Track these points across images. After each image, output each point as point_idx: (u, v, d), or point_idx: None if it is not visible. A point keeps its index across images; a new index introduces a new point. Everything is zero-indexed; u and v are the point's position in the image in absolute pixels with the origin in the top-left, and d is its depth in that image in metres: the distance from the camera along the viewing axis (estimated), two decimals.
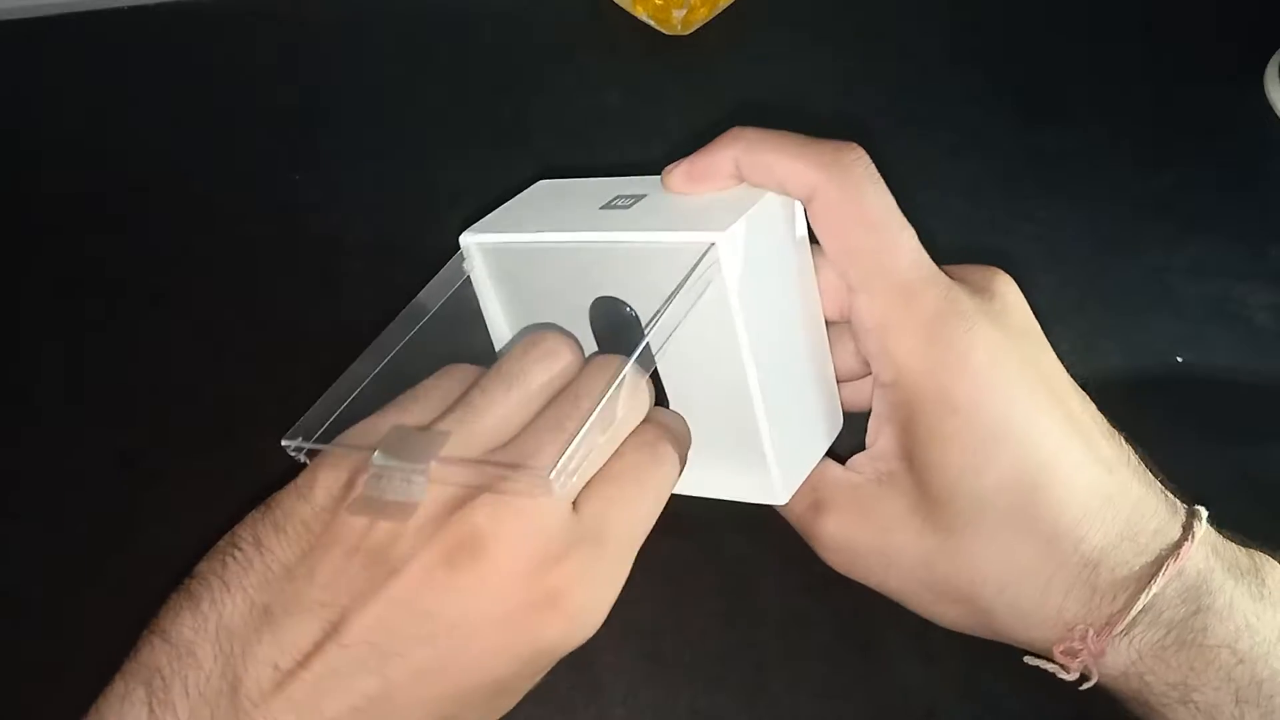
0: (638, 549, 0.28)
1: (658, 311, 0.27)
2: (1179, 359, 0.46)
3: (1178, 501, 0.31)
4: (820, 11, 0.63)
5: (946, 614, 0.32)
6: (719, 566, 0.40)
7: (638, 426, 0.29)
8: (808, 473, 0.32)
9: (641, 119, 0.58)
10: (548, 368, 0.29)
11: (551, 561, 0.25)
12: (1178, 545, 0.29)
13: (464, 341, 0.34)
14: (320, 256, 0.52)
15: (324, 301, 0.50)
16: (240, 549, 0.26)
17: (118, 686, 0.25)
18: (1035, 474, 0.29)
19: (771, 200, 0.30)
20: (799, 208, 0.31)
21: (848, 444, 0.34)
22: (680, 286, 0.27)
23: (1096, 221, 0.51)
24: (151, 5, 0.65)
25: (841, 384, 0.34)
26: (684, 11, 0.60)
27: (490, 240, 0.32)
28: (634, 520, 0.28)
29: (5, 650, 0.39)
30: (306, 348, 0.46)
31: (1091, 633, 0.29)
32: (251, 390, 0.46)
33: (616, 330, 0.31)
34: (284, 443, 0.28)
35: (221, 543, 0.27)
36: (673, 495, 0.29)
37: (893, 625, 0.37)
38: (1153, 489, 0.30)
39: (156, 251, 0.53)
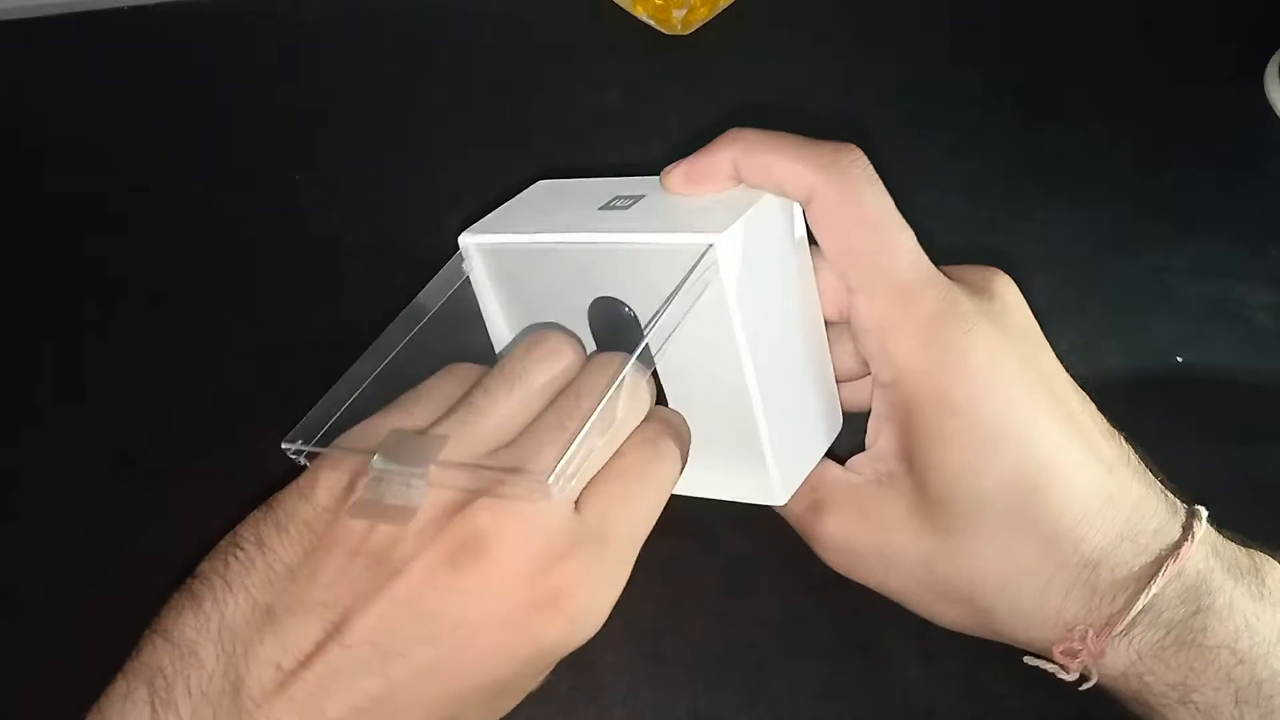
0: (639, 548, 0.28)
1: (657, 312, 0.27)
2: (1179, 359, 0.46)
3: (1178, 501, 0.31)
4: (820, 11, 0.63)
5: (946, 614, 0.32)
6: (719, 566, 0.40)
7: (640, 424, 0.29)
8: (806, 473, 0.32)
9: (641, 119, 0.58)
10: (550, 367, 0.29)
11: (553, 562, 0.25)
12: (1178, 545, 0.29)
13: (464, 342, 0.34)
14: (320, 256, 0.52)
15: (324, 301, 0.50)
16: (242, 549, 0.26)
17: (120, 686, 0.25)
18: (1035, 474, 0.29)
19: (770, 201, 0.30)
20: (798, 209, 0.31)
21: (847, 444, 0.34)
22: (679, 288, 0.27)
23: (1096, 221, 0.51)
24: (151, 5, 0.65)
25: (841, 384, 0.34)
26: (684, 11, 0.60)
27: (489, 241, 0.32)
28: (635, 520, 0.28)
29: (5, 650, 0.39)
30: (306, 348, 0.46)
31: (1091, 633, 0.29)
32: (251, 390, 0.46)
33: (615, 331, 0.31)
34: (284, 445, 0.28)
35: (223, 542, 0.27)
36: (672, 495, 0.29)
37: (893, 625, 0.37)
38: (1153, 489, 0.30)
39: (156, 251, 0.53)
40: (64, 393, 0.48)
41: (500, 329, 0.34)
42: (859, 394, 0.34)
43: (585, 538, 0.26)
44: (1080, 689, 0.30)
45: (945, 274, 0.30)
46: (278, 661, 0.24)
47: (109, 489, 0.44)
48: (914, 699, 0.37)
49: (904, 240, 0.30)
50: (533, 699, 0.28)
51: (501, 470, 0.26)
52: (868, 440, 0.33)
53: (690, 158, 0.31)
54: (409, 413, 0.28)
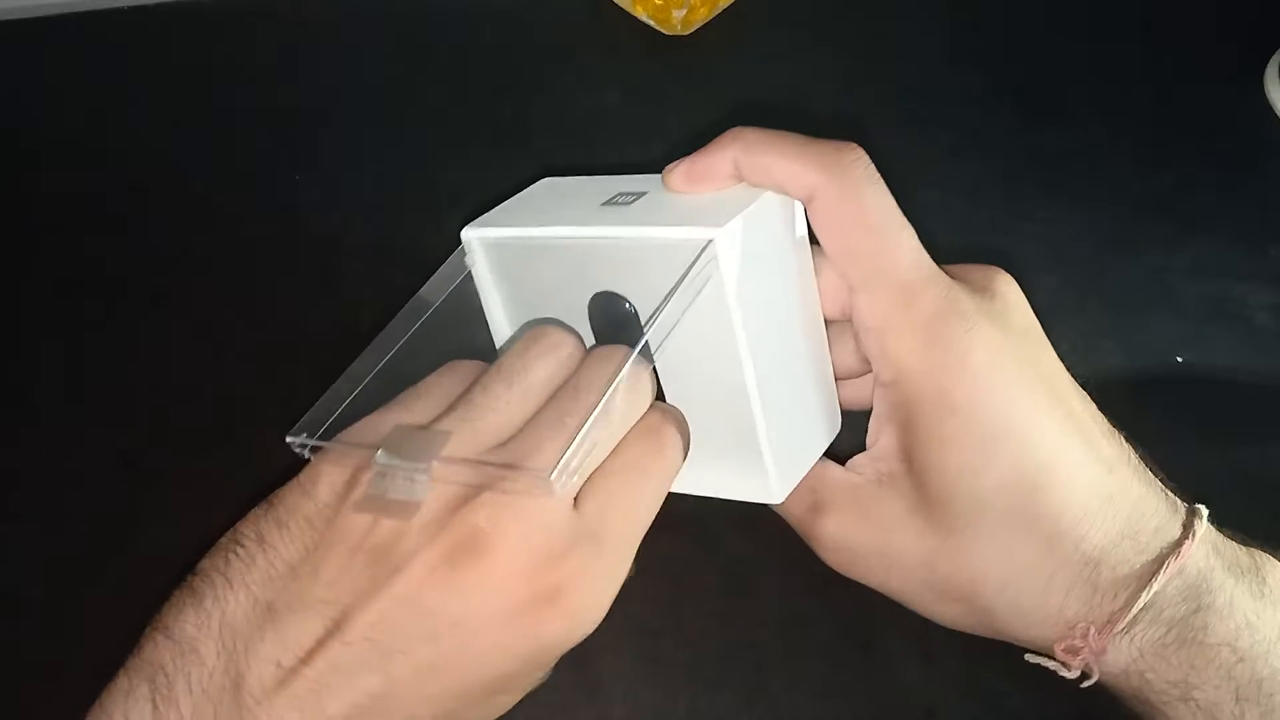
0: (638, 544, 0.28)
1: (658, 308, 0.27)
2: (1179, 359, 0.46)
3: (1178, 500, 0.31)
4: (820, 11, 0.63)
5: (947, 613, 0.32)
6: (719, 566, 0.40)
7: (640, 418, 0.29)
8: (804, 473, 0.32)
9: (641, 119, 0.58)
10: (549, 363, 0.29)
11: (553, 559, 0.25)
12: (1178, 544, 0.29)
13: (466, 337, 0.34)
14: (320, 256, 0.52)
15: (324, 301, 0.50)
16: (243, 545, 0.26)
17: (121, 682, 0.25)
18: (1035, 474, 0.29)
19: (771, 199, 0.30)
20: (799, 207, 0.31)
21: (848, 444, 0.34)
22: (679, 283, 0.27)
23: (1096, 221, 0.51)
24: (151, 5, 0.65)
25: (842, 382, 0.34)
26: (684, 11, 0.60)
27: (492, 235, 0.32)
28: (635, 516, 0.28)
29: (5, 650, 0.39)
30: (306, 348, 0.46)
31: (1093, 630, 0.29)
32: (251, 390, 0.46)
33: (615, 327, 0.31)
34: (288, 439, 0.28)
35: (224, 539, 0.27)
36: (671, 494, 0.29)
37: (893, 625, 0.37)
38: (1153, 488, 0.30)
39: (156, 251, 0.53)
40: (64, 393, 0.48)
41: (501, 324, 0.34)
42: (860, 392, 0.34)
43: (584, 535, 0.26)
44: (1081, 687, 0.30)
45: (947, 273, 0.30)
46: (278, 659, 0.24)
47: (109, 489, 0.44)
48: (914, 699, 0.37)
49: (905, 239, 0.30)
50: (533, 699, 0.28)
51: (504, 466, 0.26)
52: (868, 440, 0.33)
53: (691, 156, 0.31)
54: (410, 410, 0.28)
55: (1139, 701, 0.30)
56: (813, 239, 0.31)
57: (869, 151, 0.30)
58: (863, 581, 0.33)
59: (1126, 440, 0.31)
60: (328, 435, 0.28)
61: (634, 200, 0.31)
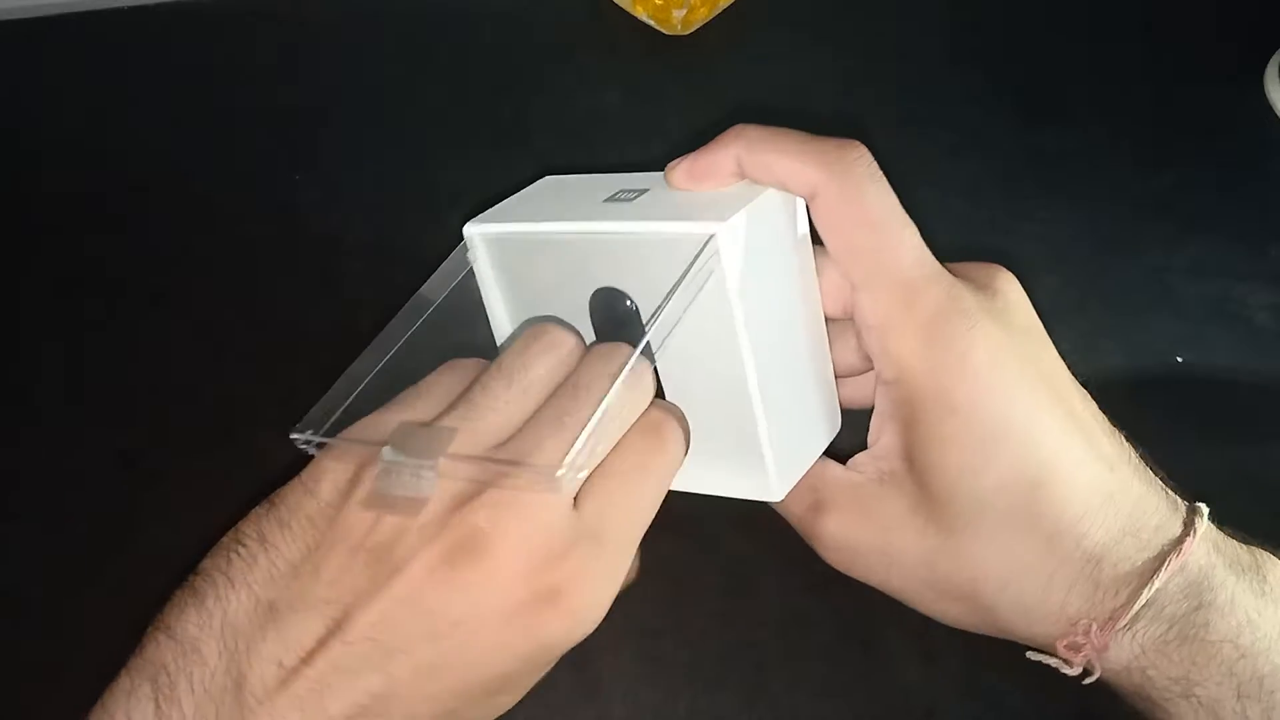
0: (638, 544, 0.28)
1: (661, 304, 0.27)
2: (1179, 359, 0.46)
3: (1178, 499, 0.31)
4: (820, 11, 0.63)
5: (949, 611, 0.32)
6: (719, 566, 0.40)
7: (640, 415, 0.29)
8: (804, 471, 0.32)
9: (641, 119, 0.58)
10: (549, 361, 0.29)
11: (553, 559, 0.25)
12: (1179, 541, 0.29)
13: (468, 334, 0.34)
14: (320, 256, 0.52)
15: (324, 301, 0.50)
16: (245, 545, 0.26)
17: (124, 682, 0.25)
18: (1036, 472, 0.29)
19: (773, 196, 0.30)
20: (801, 204, 0.31)
21: (849, 443, 0.34)
22: (682, 278, 0.27)
23: (1096, 221, 0.51)
24: (151, 5, 0.65)
25: (842, 380, 0.34)
26: (684, 11, 0.60)
27: (494, 230, 0.32)
28: (634, 515, 0.28)
29: (5, 650, 0.39)
30: (306, 348, 0.46)
31: (1095, 627, 0.29)
32: (251, 390, 0.46)
33: (616, 323, 0.31)
34: (293, 436, 0.28)
35: (226, 539, 0.27)
36: (672, 494, 0.29)
37: (893, 624, 0.37)
38: (1153, 486, 0.30)
39: (156, 251, 0.53)
40: (64, 393, 0.48)
41: (502, 321, 0.34)
42: (860, 391, 0.34)
43: (584, 534, 0.26)
44: (1083, 683, 0.30)
45: (949, 271, 0.30)
46: (279, 658, 0.24)
47: (109, 489, 0.44)
48: (914, 698, 0.37)
49: (907, 237, 0.30)
50: (533, 699, 0.28)
51: (509, 462, 0.26)
52: (870, 438, 0.33)
53: (694, 154, 0.31)
54: (410, 409, 0.28)
55: (1140, 698, 0.30)
56: (814, 237, 0.31)
57: (869, 151, 0.30)
58: (864, 580, 0.33)
59: (1127, 440, 0.31)
60: (333, 432, 0.28)
61: (636, 197, 0.31)
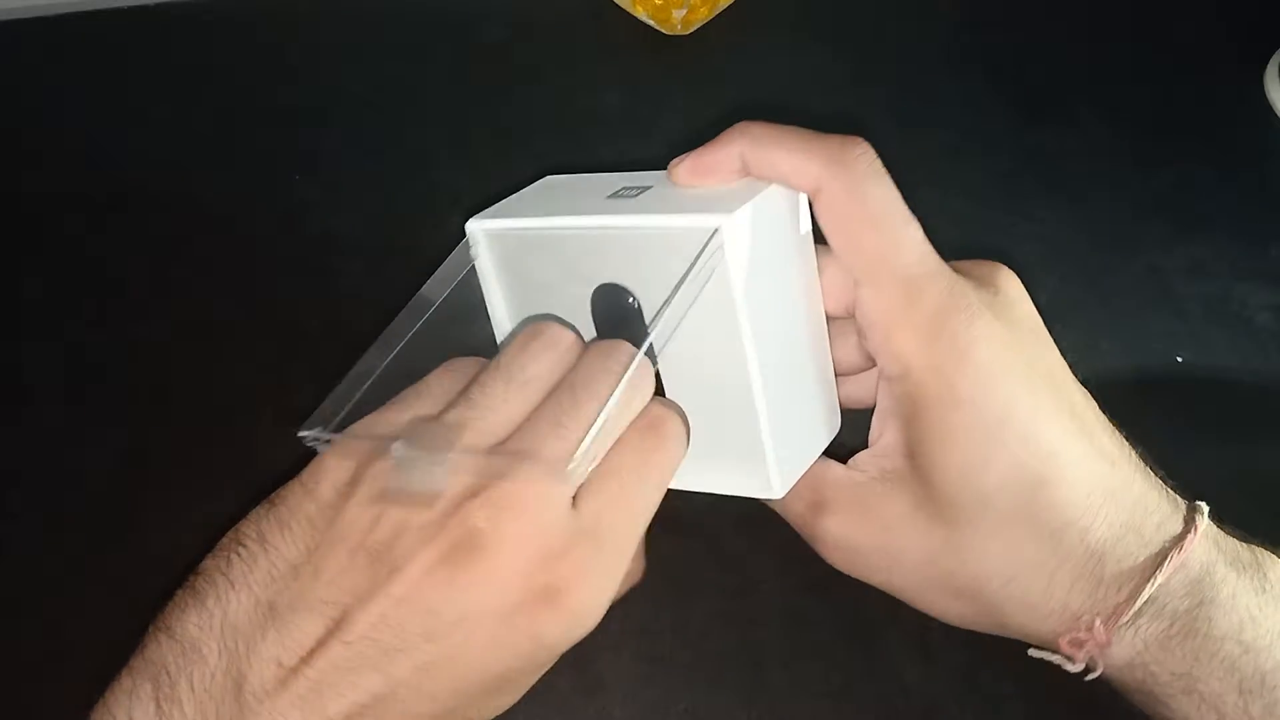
0: (638, 542, 0.28)
1: (666, 301, 0.27)
2: (1179, 359, 0.46)
3: (1178, 497, 0.31)
4: (820, 11, 0.63)
5: (950, 609, 0.32)
6: (719, 566, 0.40)
7: (640, 413, 0.29)
8: (805, 469, 0.32)
9: (641, 119, 0.58)
10: (547, 359, 0.29)
11: (552, 558, 0.25)
12: (1180, 538, 0.29)
13: (469, 331, 0.34)
14: (320, 256, 0.52)
15: (324, 301, 0.50)
16: (245, 545, 0.26)
17: (124, 682, 0.25)
18: (1038, 469, 0.29)
19: (776, 191, 0.30)
20: (803, 202, 0.31)
21: (850, 443, 0.34)
22: (687, 273, 0.27)
23: (1096, 221, 0.51)
24: (151, 5, 0.65)
25: (842, 379, 0.34)
26: (684, 11, 0.60)
27: (496, 226, 0.32)
28: (634, 514, 0.28)
29: (5, 650, 0.39)
30: (306, 347, 0.46)
31: (1098, 623, 0.29)
32: (251, 390, 0.46)
33: (618, 320, 0.31)
34: (301, 434, 0.28)
35: (226, 539, 0.27)
36: (672, 494, 0.29)
37: (893, 624, 0.37)
38: (1154, 484, 0.30)
39: (156, 251, 0.53)
40: (64, 392, 0.48)
41: (503, 318, 0.34)
42: (860, 390, 0.34)
43: (583, 533, 0.26)
44: (1085, 679, 0.30)
45: (950, 268, 0.30)
46: (279, 658, 0.25)
47: (109, 489, 0.44)
48: (914, 698, 0.37)
49: (910, 233, 0.30)
50: (532, 698, 0.28)
51: (512, 459, 0.26)
52: (871, 436, 0.33)
53: (697, 150, 0.31)
54: (411, 408, 0.28)
55: (1142, 694, 0.30)
56: (817, 234, 0.31)
57: (872, 148, 0.30)
58: (865, 580, 0.33)
59: (1127, 439, 0.31)
60: (340, 429, 0.28)
61: (639, 193, 0.31)
